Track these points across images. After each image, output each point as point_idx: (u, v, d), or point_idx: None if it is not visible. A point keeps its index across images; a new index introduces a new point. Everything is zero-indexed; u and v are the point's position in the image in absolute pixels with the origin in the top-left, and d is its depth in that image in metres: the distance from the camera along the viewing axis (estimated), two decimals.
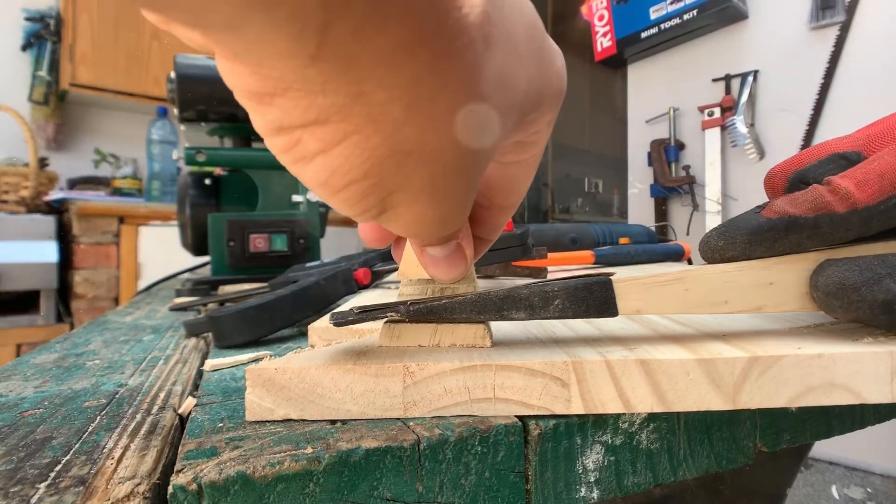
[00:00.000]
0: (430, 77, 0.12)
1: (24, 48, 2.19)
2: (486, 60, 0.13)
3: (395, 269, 0.50)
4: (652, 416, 0.21)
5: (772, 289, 0.22)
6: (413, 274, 0.23)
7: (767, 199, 0.25)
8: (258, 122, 0.13)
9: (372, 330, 0.29)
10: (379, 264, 0.49)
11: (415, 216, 0.15)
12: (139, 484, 0.15)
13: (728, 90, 1.67)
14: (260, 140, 0.85)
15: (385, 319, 0.22)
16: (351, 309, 0.22)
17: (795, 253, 0.22)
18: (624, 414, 0.20)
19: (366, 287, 0.46)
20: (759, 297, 0.22)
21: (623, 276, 0.22)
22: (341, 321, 0.21)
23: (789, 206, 0.22)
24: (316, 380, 0.19)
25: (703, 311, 0.22)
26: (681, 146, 1.81)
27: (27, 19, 2.18)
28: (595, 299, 0.22)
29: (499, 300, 0.21)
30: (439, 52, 0.12)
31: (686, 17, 1.67)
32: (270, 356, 0.24)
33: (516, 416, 0.19)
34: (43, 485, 0.15)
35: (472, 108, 0.13)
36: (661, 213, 1.86)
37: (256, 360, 0.30)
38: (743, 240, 0.22)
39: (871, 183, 0.22)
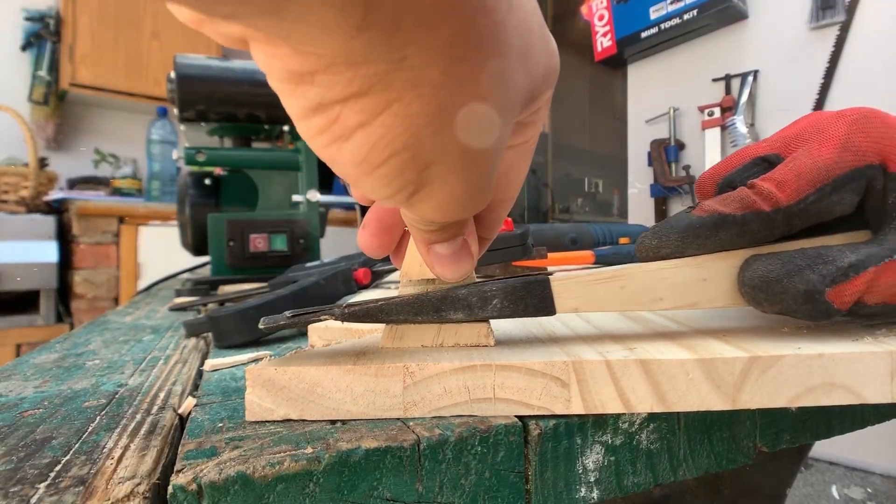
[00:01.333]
0: (463, 36, 0.12)
1: (24, 48, 2.19)
2: (510, 21, 0.13)
3: (395, 270, 0.50)
4: (652, 416, 0.21)
5: (705, 285, 0.23)
6: (416, 274, 0.23)
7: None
8: (294, 105, 0.13)
9: (372, 330, 0.29)
10: (379, 264, 0.49)
11: (447, 192, 0.15)
12: (139, 484, 0.15)
13: (728, 90, 1.67)
14: (259, 140, 0.85)
15: (318, 321, 0.22)
16: (283, 313, 0.22)
17: (727, 250, 0.23)
18: (624, 414, 0.20)
19: (366, 287, 0.46)
20: (692, 293, 0.23)
21: (561, 275, 0.22)
22: (272, 325, 0.21)
23: (719, 206, 0.23)
24: (316, 380, 0.19)
25: (639, 308, 0.22)
26: (681, 146, 1.81)
27: (27, 19, 2.18)
28: (533, 298, 0.22)
29: (436, 300, 0.21)
30: (473, 8, 0.12)
31: (686, 17, 1.67)
32: (270, 356, 0.24)
33: (516, 416, 0.19)
34: (43, 485, 0.15)
35: (500, 67, 0.13)
36: (661, 213, 1.86)
37: (256, 360, 0.30)
38: (676, 238, 0.23)
39: (789, 183, 0.23)
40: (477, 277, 0.25)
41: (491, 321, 0.23)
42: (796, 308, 0.21)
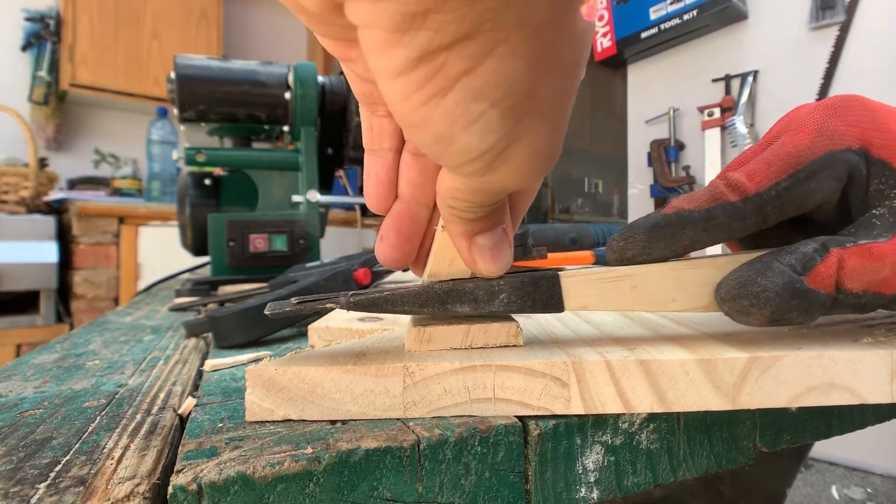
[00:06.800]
0: None
1: (24, 48, 2.19)
2: None
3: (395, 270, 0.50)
4: (652, 417, 0.21)
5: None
6: (445, 275, 0.22)
7: None
8: (395, 58, 0.13)
9: (372, 330, 0.29)
10: (378, 265, 0.49)
11: (533, 148, 0.14)
12: (139, 484, 0.15)
13: (728, 90, 1.67)
14: (259, 140, 0.85)
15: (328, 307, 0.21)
16: (289, 299, 0.21)
17: (699, 248, 0.22)
18: (624, 414, 0.20)
19: (366, 287, 0.46)
20: (707, 294, 0.22)
21: (571, 272, 0.22)
22: (277, 311, 0.21)
23: (685, 203, 0.22)
24: (316, 380, 0.19)
25: (651, 308, 0.22)
26: (681, 146, 1.81)
27: (27, 19, 2.18)
28: (541, 294, 0.21)
29: (443, 293, 0.21)
30: None
31: (686, 17, 1.67)
32: (270, 356, 0.24)
33: (516, 417, 0.19)
34: (43, 485, 0.15)
35: (589, 12, 0.13)
36: None
37: (256, 361, 0.30)
38: (641, 238, 0.22)
39: (759, 172, 0.22)
40: None
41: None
42: (786, 305, 0.20)
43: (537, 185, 0.20)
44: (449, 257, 0.21)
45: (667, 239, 0.22)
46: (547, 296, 0.22)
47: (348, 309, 0.21)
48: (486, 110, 0.13)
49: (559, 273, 0.22)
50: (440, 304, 0.21)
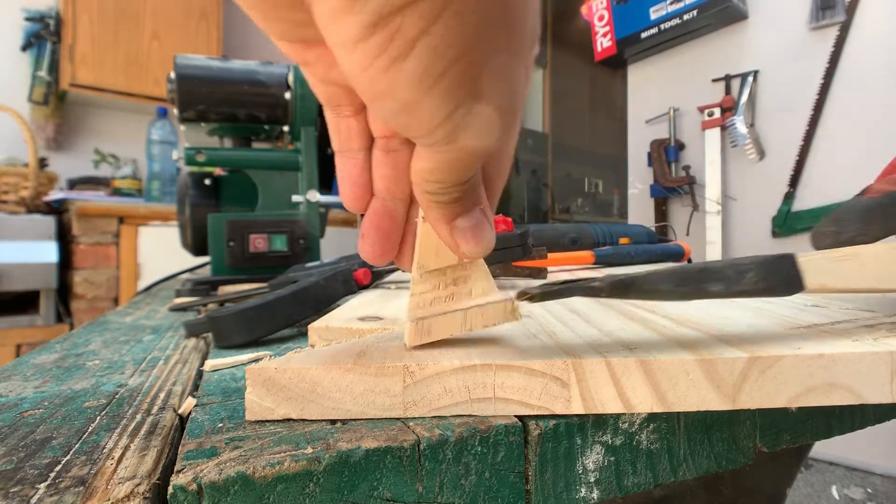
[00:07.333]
0: None
1: (24, 48, 2.19)
2: None
3: (395, 270, 0.50)
4: (652, 417, 0.21)
5: None
6: (433, 264, 0.22)
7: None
8: (351, 26, 0.13)
9: (372, 330, 0.29)
10: None
11: (496, 105, 0.15)
12: (139, 484, 0.15)
13: (728, 90, 1.67)
14: (259, 140, 0.85)
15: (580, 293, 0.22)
16: (552, 282, 0.22)
17: None
18: (624, 414, 0.20)
19: (366, 287, 0.46)
20: None
21: (806, 253, 0.22)
22: (548, 292, 0.21)
23: (887, 185, 0.23)
24: (316, 379, 0.19)
25: (883, 286, 0.22)
26: (681, 146, 1.81)
27: (27, 19, 2.18)
28: (782, 274, 0.22)
29: (696, 272, 0.22)
30: None
31: (686, 17, 1.67)
32: (270, 356, 0.24)
33: (516, 416, 0.19)
34: (43, 485, 0.15)
35: None
36: (661, 214, 1.86)
37: (256, 360, 0.30)
38: (856, 220, 0.23)
39: None
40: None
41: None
42: None
43: (508, 158, 0.20)
44: (434, 246, 0.21)
45: (880, 220, 0.22)
46: (788, 276, 0.22)
47: (609, 293, 0.21)
48: (448, 69, 0.13)
49: (795, 254, 0.22)
50: (696, 283, 0.22)
